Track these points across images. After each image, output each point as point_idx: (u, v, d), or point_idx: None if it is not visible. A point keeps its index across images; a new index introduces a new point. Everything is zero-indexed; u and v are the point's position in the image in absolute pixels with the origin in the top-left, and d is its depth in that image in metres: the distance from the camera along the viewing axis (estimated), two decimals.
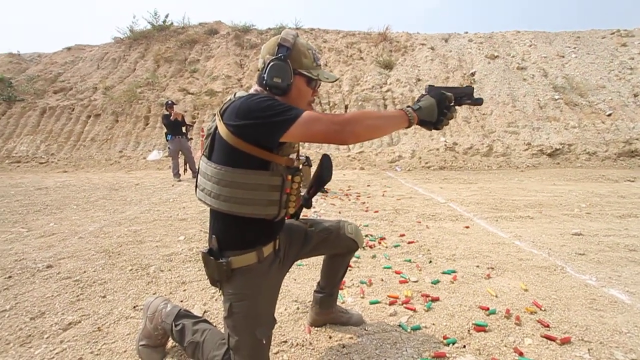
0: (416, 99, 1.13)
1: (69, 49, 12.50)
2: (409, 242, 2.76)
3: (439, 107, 1.07)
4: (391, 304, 1.79)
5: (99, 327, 1.59)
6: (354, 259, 2.41)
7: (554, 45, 11.41)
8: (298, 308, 1.76)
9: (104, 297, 1.89)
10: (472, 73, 10.42)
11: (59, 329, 1.58)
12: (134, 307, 1.78)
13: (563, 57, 10.88)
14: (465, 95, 1.18)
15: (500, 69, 10.30)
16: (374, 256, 2.48)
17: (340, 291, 1.93)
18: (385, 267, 2.27)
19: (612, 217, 3.53)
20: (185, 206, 4.08)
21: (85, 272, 2.20)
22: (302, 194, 1.29)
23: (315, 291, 1.56)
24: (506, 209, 3.91)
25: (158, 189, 5.19)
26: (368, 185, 5.50)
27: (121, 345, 1.46)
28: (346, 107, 9.45)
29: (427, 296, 1.85)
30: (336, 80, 1.13)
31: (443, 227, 3.20)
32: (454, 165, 7.38)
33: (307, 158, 4.77)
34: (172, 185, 5.56)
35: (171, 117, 5.75)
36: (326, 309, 1.57)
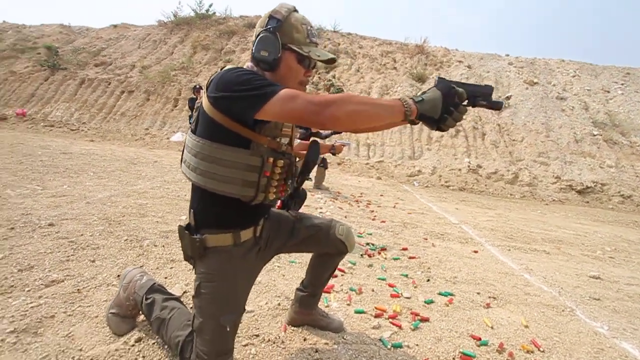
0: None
1: (115, 26, 13.12)
2: (410, 257, 2.63)
3: (445, 102, 0.91)
4: (377, 316, 1.69)
5: (78, 289, 1.59)
6: (348, 264, 2.32)
7: (600, 78, 10.82)
8: (279, 304, 1.70)
9: (93, 261, 1.90)
10: (507, 97, 10.04)
11: (42, 284, 1.59)
12: (118, 275, 1.77)
13: (608, 92, 10.28)
14: (481, 95, 0.99)
15: (538, 96, 9.87)
16: (370, 265, 2.38)
17: (326, 294, 1.85)
18: (379, 278, 2.17)
19: (639, 266, 3.24)
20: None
21: (82, 235, 2.24)
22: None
23: (297, 289, 1.49)
24: (521, 239, 3.68)
25: (174, 169, 5.29)
26: (381, 195, 5.37)
27: (95, 311, 1.45)
28: None
29: (417, 315, 1.74)
30: (330, 60, 1.01)
31: (450, 248, 3.04)
32: (475, 189, 7.09)
33: (324, 159, 4.67)
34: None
35: (197, 101, 5.87)
36: (306, 309, 1.49)
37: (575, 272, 2.80)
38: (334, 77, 10.48)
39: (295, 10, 1.02)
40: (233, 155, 0.97)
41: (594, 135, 8.52)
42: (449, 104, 0.92)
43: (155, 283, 1.33)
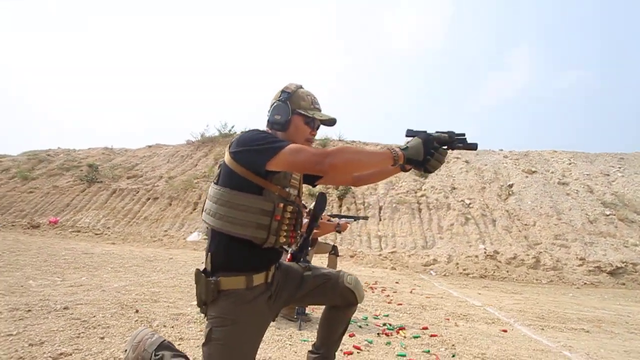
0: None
1: (149, 146, 15.09)
2: (432, 335, 2.44)
3: (426, 147, 1.10)
4: None
5: None
6: (365, 342, 2.18)
7: (596, 164, 11.27)
8: None
9: (102, 338, 1.88)
10: (509, 185, 10.38)
11: (50, 357, 1.58)
12: (125, 350, 1.73)
13: (608, 175, 10.57)
14: (457, 140, 1.15)
15: (539, 183, 10.18)
16: (388, 343, 2.22)
17: None
18: (399, 354, 2.01)
19: None
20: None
21: (94, 316, 2.24)
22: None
23: (309, 352, 1.43)
24: (555, 319, 3.35)
25: (188, 264, 5.34)
26: (396, 283, 5.14)
27: None
28: (380, 208, 9.63)
29: None
30: (331, 120, 1.26)
31: (475, 328, 2.80)
32: (496, 275, 6.69)
33: (335, 247, 4.80)
34: (202, 263, 5.69)
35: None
36: None
37: (623, 349, 2.48)
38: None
39: (302, 87, 1.29)
40: (248, 200, 1.11)
41: (607, 215, 8.40)
42: (429, 148, 1.11)
43: (164, 340, 1.33)
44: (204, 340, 1.10)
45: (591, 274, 6.69)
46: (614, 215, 8.43)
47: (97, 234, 8.53)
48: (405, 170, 1.26)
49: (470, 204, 9.42)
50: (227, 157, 1.16)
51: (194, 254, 6.90)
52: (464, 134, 1.17)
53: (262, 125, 1.28)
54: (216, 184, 1.19)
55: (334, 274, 1.37)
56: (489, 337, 2.56)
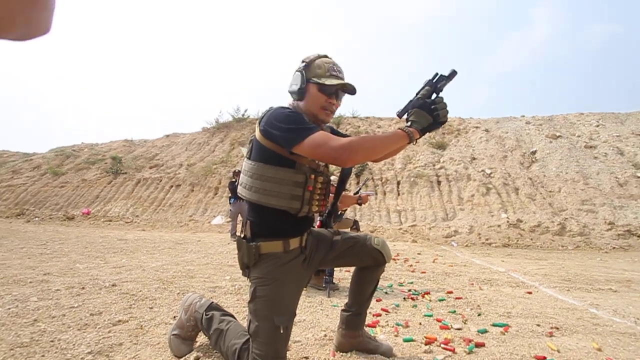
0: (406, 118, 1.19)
1: (167, 136, 15.45)
2: (457, 298, 2.52)
3: (426, 109, 1.15)
4: (427, 343, 1.64)
5: (141, 326, 1.73)
6: (392, 305, 2.28)
7: (627, 124, 10.71)
8: (325, 335, 1.71)
9: (151, 308, 2.06)
10: (532, 152, 10.07)
11: (110, 323, 1.76)
12: (174, 317, 1.90)
13: None
14: (440, 82, 1.16)
15: (564, 147, 9.82)
16: (414, 306, 2.31)
17: (372, 328, 1.83)
18: (426, 315, 2.10)
19: None
20: (237, 257, 4.32)
21: (140, 291, 2.44)
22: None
23: (342, 310, 1.54)
24: (581, 281, 3.35)
25: (215, 245, 5.60)
26: (418, 254, 5.22)
27: (156, 340, 1.57)
28: (398, 182, 9.60)
29: (470, 340, 1.65)
30: (345, 85, 1.24)
31: (499, 291, 2.86)
32: (520, 244, 6.65)
33: (356, 222, 4.88)
34: (228, 243, 5.95)
35: (236, 183, 6.50)
36: (352, 330, 1.51)
37: None
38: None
39: (325, 56, 1.29)
40: (281, 173, 1.18)
41: (639, 177, 8.06)
42: (429, 108, 1.15)
43: (213, 302, 1.46)
44: (249, 299, 1.21)
45: (620, 238, 6.53)
46: None
47: (127, 222, 8.99)
48: (415, 143, 1.28)
49: (491, 173, 9.24)
50: (257, 133, 1.22)
51: (219, 236, 7.20)
52: (437, 74, 1.19)
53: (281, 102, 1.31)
54: (249, 158, 1.25)
55: (361, 236, 1.45)
56: (514, 298, 2.61)
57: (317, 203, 1.28)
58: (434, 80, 1.18)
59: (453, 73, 1.18)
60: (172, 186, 10.98)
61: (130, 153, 13.74)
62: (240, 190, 1.29)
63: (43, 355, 1.36)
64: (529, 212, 7.74)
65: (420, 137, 1.18)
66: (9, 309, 1.91)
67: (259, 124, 1.23)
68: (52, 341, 1.49)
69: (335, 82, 1.22)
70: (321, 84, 1.22)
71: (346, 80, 1.27)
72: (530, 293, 2.79)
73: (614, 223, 6.90)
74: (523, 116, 12.75)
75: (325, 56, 1.29)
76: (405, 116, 1.20)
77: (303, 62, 1.26)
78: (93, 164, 12.92)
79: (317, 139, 1.08)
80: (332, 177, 1.53)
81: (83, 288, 2.44)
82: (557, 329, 1.92)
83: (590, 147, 9.80)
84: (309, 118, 1.21)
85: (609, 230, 6.76)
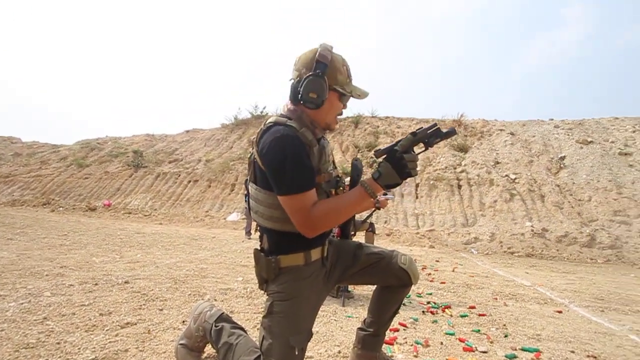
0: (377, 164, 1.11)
1: (187, 131, 15.73)
2: (480, 315, 2.35)
3: (397, 167, 1.03)
4: None
5: (149, 331, 1.68)
6: (410, 320, 2.15)
7: None
8: (339, 352, 1.60)
9: (161, 310, 2.01)
10: (561, 157, 9.57)
11: (118, 325, 1.72)
12: (183, 321, 1.84)
13: None
14: (432, 136, 1.06)
15: (596, 154, 9.27)
16: (434, 321, 2.17)
17: (389, 346, 1.71)
18: (447, 333, 1.96)
19: None
20: (250, 257, 4.27)
21: (152, 290, 2.41)
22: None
23: (359, 329, 1.42)
24: (617, 301, 3.10)
25: (229, 242, 5.59)
26: (437, 261, 5.02)
27: (163, 348, 1.51)
28: (417, 185, 9.36)
29: None
30: (367, 95, 1.16)
31: (526, 308, 2.67)
32: (545, 254, 6.31)
33: (372, 224, 4.74)
34: (242, 241, 5.94)
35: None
36: (369, 351, 1.39)
37: None
38: (379, 149, 11.00)
39: (336, 53, 1.14)
40: None
41: None
42: (400, 166, 1.03)
43: (223, 313, 1.38)
44: (265, 313, 1.12)
45: None
46: None
47: (146, 216, 9.18)
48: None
49: (515, 179, 8.85)
50: (258, 159, 1.10)
51: (234, 233, 7.23)
52: (434, 125, 1.07)
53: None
54: (254, 182, 1.15)
55: (387, 253, 1.31)
56: (543, 317, 2.42)
57: None
58: (429, 132, 1.06)
59: (451, 132, 1.09)
60: (190, 181, 11.14)
61: (151, 147, 14.07)
62: (253, 216, 1.18)
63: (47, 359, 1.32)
64: (556, 221, 7.35)
65: (384, 193, 1.10)
66: (22, 303, 1.91)
67: (257, 144, 1.09)
68: (58, 343, 1.45)
69: (360, 91, 1.14)
70: (347, 93, 1.12)
71: (363, 88, 1.17)
72: (560, 312, 2.59)
73: None
74: (552, 119, 12.16)
75: (335, 52, 1.13)
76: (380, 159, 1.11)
77: (321, 62, 1.06)
78: (116, 157, 13.31)
79: (296, 205, 1.02)
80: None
81: (96, 284, 2.44)
82: (595, 358, 1.73)
83: (625, 154, 9.21)
84: (312, 133, 1.10)
85: None
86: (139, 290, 2.38)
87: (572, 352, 1.79)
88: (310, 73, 1.06)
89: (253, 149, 1.13)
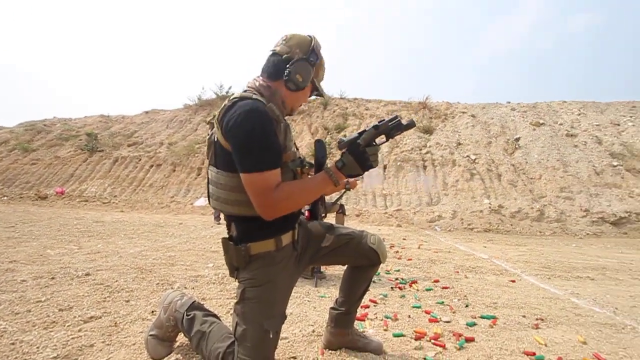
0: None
1: (147, 112, 14.74)
2: (444, 287, 2.52)
3: (358, 159, 1.07)
4: (417, 339, 1.60)
5: (115, 323, 1.61)
6: (380, 296, 2.25)
7: (607, 114, 10.99)
8: (314, 331, 1.65)
9: (128, 301, 1.94)
10: (516, 138, 10.23)
11: (81, 320, 1.63)
12: (152, 312, 1.79)
13: (618, 125, 10.35)
14: (393, 129, 1.10)
15: (547, 135, 10.01)
16: (402, 296, 2.29)
17: (361, 322, 1.78)
18: (414, 306, 2.08)
19: None
20: (220, 242, 4.20)
21: (116, 281, 2.30)
22: None
23: (331, 308, 1.46)
24: (560, 269, 3.45)
25: (198, 228, 5.45)
26: (403, 239, 5.26)
27: (132, 340, 1.46)
28: (385, 166, 9.60)
29: (460, 335, 1.63)
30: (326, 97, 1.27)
31: (484, 279, 2.89)
32: (501, 229, 6.84)
33: (342, 206, 4.81)
34: (212, 227, 5.81)
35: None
36: (342, 329, 1.44)
37: (628, 294, 2.57)
38: (344, 136, 11.08)
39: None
40: None
41: (614, 166, 8.36)
42: (362, 158, 1.07)
43: (195, 301, 1.35)
44: (237, 299, 1.11)
45: (594, 225, 6.82)
46: (621, 165, 8.39)
47: (104, 203, 8.64)
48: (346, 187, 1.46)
49: (475, 159, 9.35)
50: (221, 138, 1.05)
51: (202, 219, 7.03)
52: (396, 117, 1.11)
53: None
54: (215, 166, 1.11)
55: (357, 233, 1.35)
56: (499, 287, 2.64)
57: None
58: (390, 125, 1.10)
59: (411, 124, 1.13)
60: (152, 165, 10.57)
61: (106, 130, 13.07)
62: (212, 203, 1.14)
63: None
64: (510, 199, 7.93)
65: (347, 182, 1.25)
66: None
67: (220, 121, 1.04)
68: (12, 344, 1.35)
69: (325, 94, 1.28)
70: (320, 89, 1.21)
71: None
72: (513, 281, 2.83)
73: (589, 210, 7.18)
74: (509, 102, 12.85)
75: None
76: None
77: (315, 53, 1.13)
78: (67, 140, 12.24)
79: (261, 186, 0.99)
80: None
81: (53, 278, 2.28)
82: (542, 320, 1.93)
83: (571, 135, 10.03)
84: (280, 110, 1.10)
85: (584, 217, 7.04)
86: (102, 282, 2.26)
87: (524, 316, 1.98)
88: (304, 56, 1.11)
89: (214, 128, 1.10)
